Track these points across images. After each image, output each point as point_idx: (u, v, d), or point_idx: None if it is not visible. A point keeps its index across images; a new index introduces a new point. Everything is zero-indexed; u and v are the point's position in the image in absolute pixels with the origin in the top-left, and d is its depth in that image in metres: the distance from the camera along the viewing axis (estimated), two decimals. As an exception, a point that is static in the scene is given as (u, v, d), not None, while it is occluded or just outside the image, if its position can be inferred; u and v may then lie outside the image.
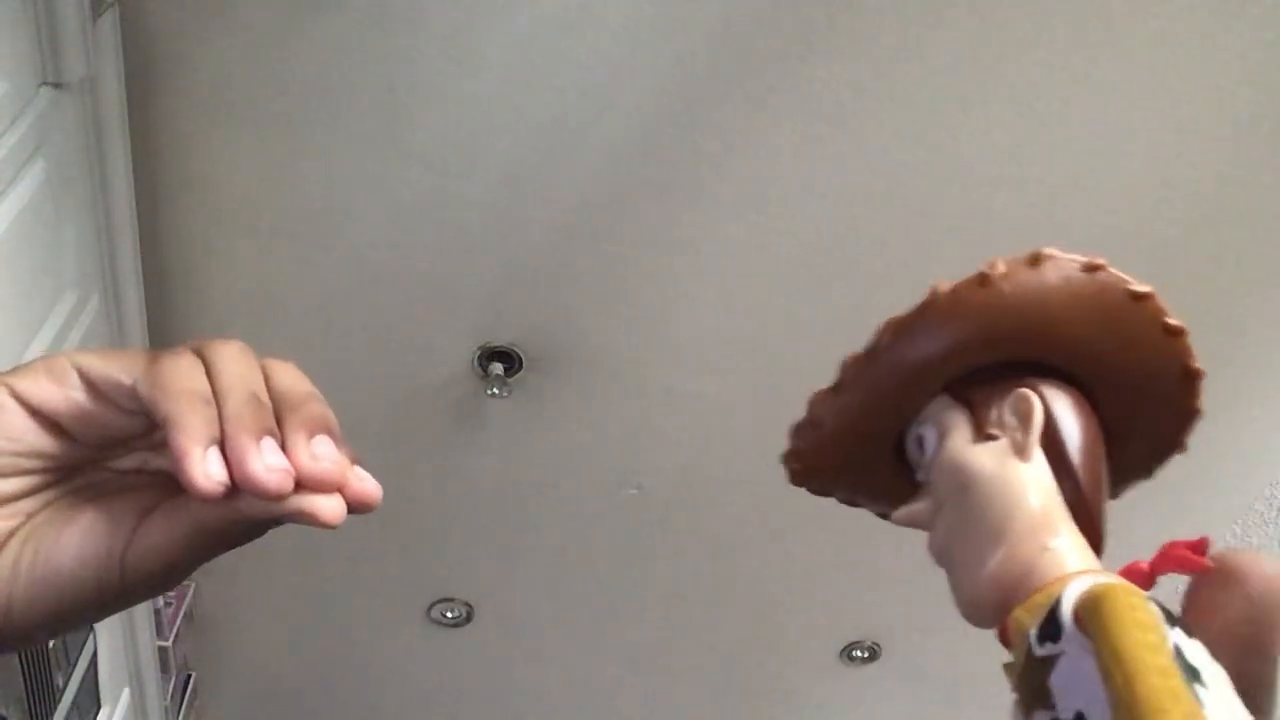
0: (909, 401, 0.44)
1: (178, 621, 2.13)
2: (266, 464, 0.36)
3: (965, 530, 0.40)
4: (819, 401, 0.45)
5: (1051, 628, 0.35)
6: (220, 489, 0.35)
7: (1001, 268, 0.42)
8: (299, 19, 1.45)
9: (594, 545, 2.21)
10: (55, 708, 1.49)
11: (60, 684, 1.50)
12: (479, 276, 1.74)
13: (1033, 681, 0.35)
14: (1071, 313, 0.42)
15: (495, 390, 1.83)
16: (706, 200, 1.64)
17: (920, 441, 0.44)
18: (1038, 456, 0.41)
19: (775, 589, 2.30)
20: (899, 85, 1.51)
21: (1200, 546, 0.37)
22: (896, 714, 2.68)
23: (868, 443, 0.46)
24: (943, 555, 0.42)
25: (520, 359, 1.85)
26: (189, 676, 2.38)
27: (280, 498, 0.36)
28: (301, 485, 0.36)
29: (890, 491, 0.47)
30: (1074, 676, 0.33)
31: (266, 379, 0.39)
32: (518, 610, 2.39)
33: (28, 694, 1.37)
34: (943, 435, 0.43)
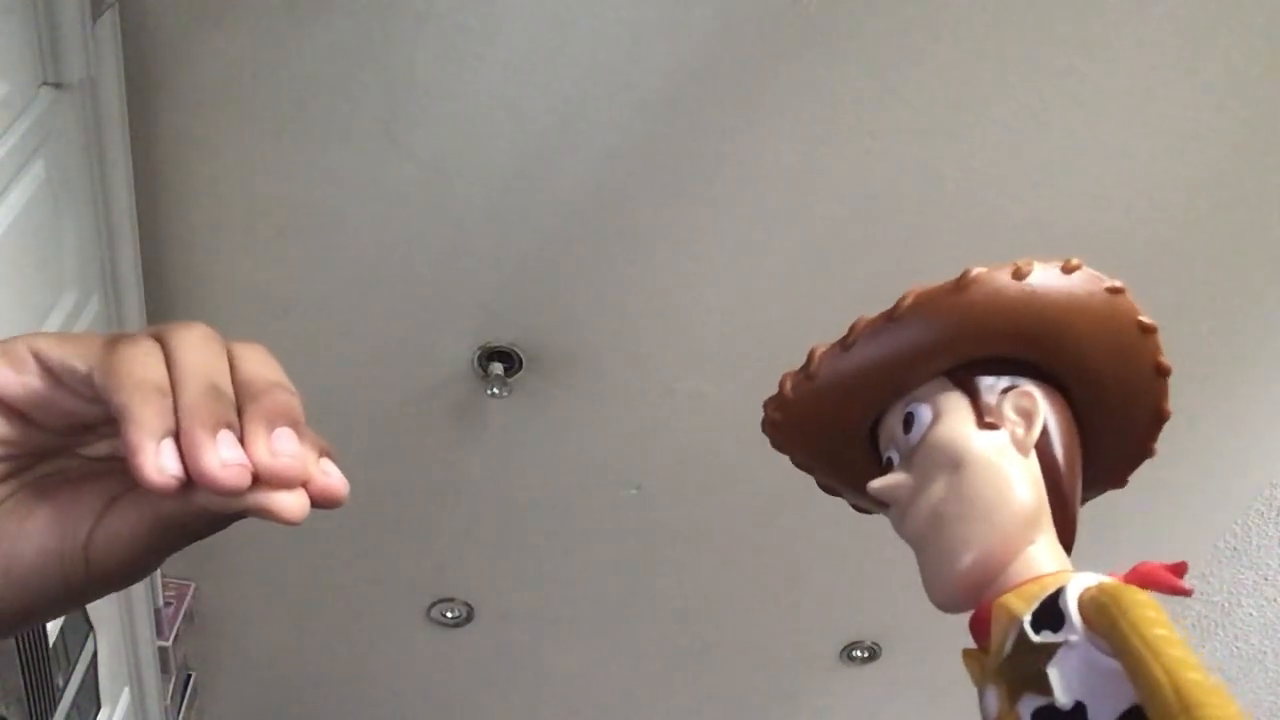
0: (909, 376, 0.44)
1: (178, 621, 2.13)
2: (222, 459, 0.34)
3: (951, 511, 0.40)
4: (822, 355, 0.45)
5: (1051, 617, 0.35)
6: (173, 483, 0.34)
7: (1035, 265, 0.42)
8: (299, 20, 1.45)
9: (594, 545, 2.21)
10: (55, 708, 1.49)
11: (60, 684, 1.50)
12: (479, 276, 1.74)
13: (1026, 667, 0.35)
14: (1087, 325, 0.42)
15: (495, 390, 1.83)
16: (706, 200, 1.64)
17: (909, 418, 0.44)
18: (1032, 454, 0.41)
19: (775, 589, 2.30)
20: (899, 86, 1.51)
21: (1179, 570, 0.37)
22: (896, 714, 2.68)
23: (853, 410, 0.45)
24: (919, 534, 0.42)
25: (520, 359, 1.85)
26: (189, 676, 2.38)
27: (237, 493, 0.34)
28: (260, 480, 0.35)
29: (856, 468, 0.47)
30: (1079, 668, 0.33)
31: (232, 365, 0.37)
32: (518, 610, 2.39)
33: (28, 694, 1.37)
34: (938, 416, 0.43)
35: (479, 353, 1.84)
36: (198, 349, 0.36)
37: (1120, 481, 0.46)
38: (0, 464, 0.38)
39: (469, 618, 2.38)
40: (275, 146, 1.58)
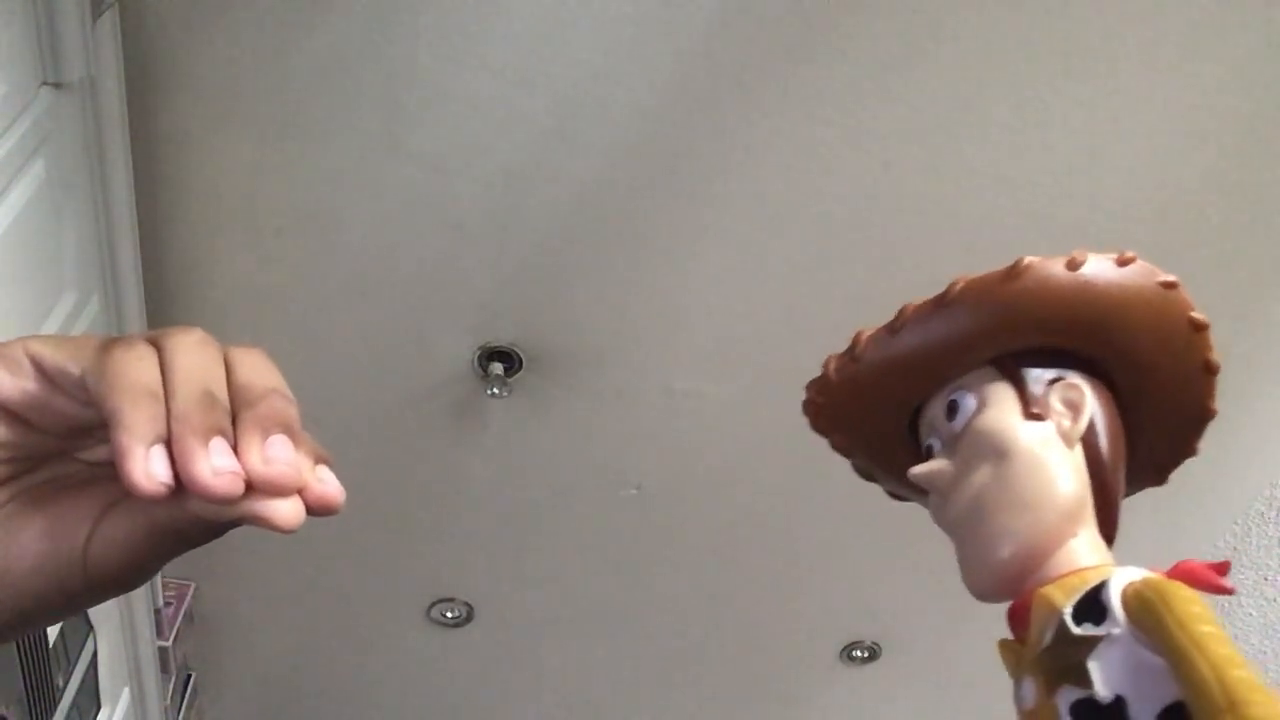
0: (955, 363, 0.43)
1: (178, 621, 2.13)
2: (213, 467, 0.33)
3: (994, 499, 0.40)
4: (868, 339, 0.44)
5: (1093, 610, 0.35)
6: (162, 489, 0.33)
7: (1089, 257, 0.42)
8: (299, 20, 1.45)
9: (594, 545, 2.21)
10: (55, 708, 1.49)
11: (60, 684, 1.50)
12: (479, 276, 1.74)
13: (1066, 659, 0.35)
14: (1138, 319, 0.42)
15: (495, 390, 1.83)
16: (706, 200, 1.64)
17: (954, 405, 0.43)
18: (1078, 447, 0.41)
19: (775, 589, 2.30)
20: (899, 86, 1.51)
21: (1223, 569, 0.36)
22: (896, 714, 2.68)
23: (895, 396, 0.45)
24: (959, 522, 0.42)
25: (520, 359, 1.85)
26: (189, 676, 2.38)
27: (229, 501, 0.34)
28: (255, 488, 0.34)
29: (895, 454, 0.47)
30: (1121, 662, 0.33)
31: (228, 370, 0.37)
32: (518, 610, 2.39)
33: (28, 694, 1.37)
34: (983, 404, 0.42)
35: (479, 353, 1.84)
36: (193, 354, 0.36)
37: (1161, 479, 0.46)
38: (1, 467, 0.38)
39: (469, 618, 2.38)
40: (275, 146, 1.58)
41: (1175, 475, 0.47)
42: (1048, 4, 1.43)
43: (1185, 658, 0.30)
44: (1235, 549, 2.26)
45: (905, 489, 0.47)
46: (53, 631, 1.45)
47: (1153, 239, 1.67)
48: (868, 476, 0.49)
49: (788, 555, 2.20)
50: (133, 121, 1.48)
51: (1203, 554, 2.21)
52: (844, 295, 1.74)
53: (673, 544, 2.20)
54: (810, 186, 1.62)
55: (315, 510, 0.36)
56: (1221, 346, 1.70)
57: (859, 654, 2.46)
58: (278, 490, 0.35)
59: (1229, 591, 0.36)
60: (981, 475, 0.41)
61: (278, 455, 0.35)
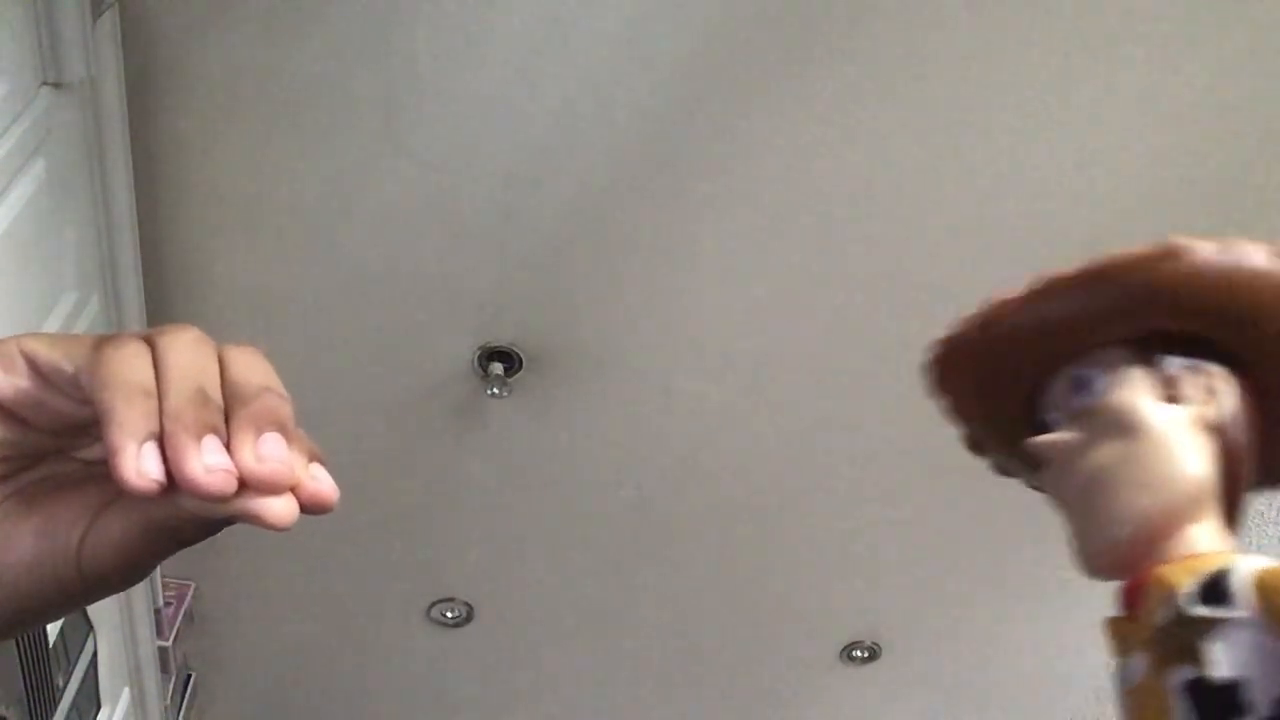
0: (1088, 337, 0.43)
1: (178, 621, 2.13)
2: (206, 464, 0.33)
3: (1119, 475, 0.40)
4: (1006, 303, 0.44)
5: (1215, 593, 0.34)
6: (154, 486, 0.33)
7: (1246, 245, 0.41)
8: (299, 20, 1.45)
9: (594, 545, 2.21)
10: (55, 708, 1.49)
11: (60, 684, 1.50)
12: (479, 276, 1.74)
13: (1181, 639, 0.35)
14: (1256, 294, 0.41)
15: (495, 390, 1.83)
16: (707, 200, 1.64)
17: (1082, 381, 0.43)
18: (1212, 435, 0.41)
19: (775, 589, 2.30)
20: (899, 86, 1.51)
21: None
22: (896, 714, 2.68)
23: (1026, 361, 0.44)
24: (1080, 492, 0.41)
25: (520, 359, 1.85)
26: (189, 676, 2.38)
27: (222, 498, 0.34)
28: (247, 486, 0.34)
29: (1010, 423, 0.46)
30: (1244, 646, 0.33)
31: (222, 368, 0.37)
32: (518, 610, 2.39)
33: (28, 694, 1.37)
34: (1116, 382, 0.42)
35: (479, 353, 1.84)
36: (186, 352, 0.36)
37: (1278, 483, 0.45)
38: None
39: (469, 618, 2.38)
40: (275, 146, 1.58)
41: None
42: (1047, 5, 1.43)
43: None
44: (1235, 549, 2.26)
45: (1015, 461, 0.46)
46: (53, 631, 1.45)
47: (1152, 239, 1.67)
48: (977, 447, 0.48)
49: (788, 555, 2.20)
50: (133, 121, 1.48)
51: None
52: (844, 295, 1.74)
53: (672, 544, 2.20)
54: (810, 186, 1.62)
55: (308, 508, 0.36)
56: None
57: (859, 654, 2.46)
58: (271, 488, 0.35)
59: None
60: (1108, 451, 0.40)
61: (271, 453, 0.35)
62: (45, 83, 1.28)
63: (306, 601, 2.33)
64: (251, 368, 0.37)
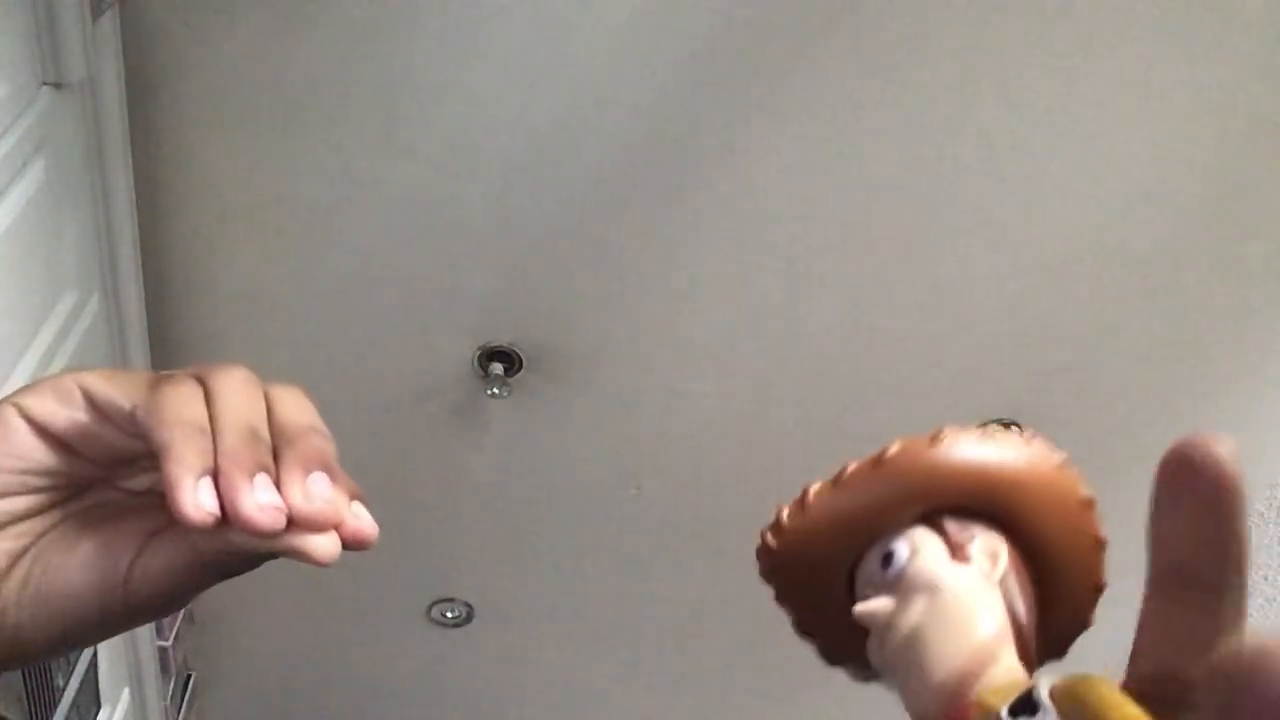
0: (889, 518, 0.49)
1: (178, 621, 2.13)
2: (258, 502, 0.35)
3: (930, 630, 0.45)
4: (816, 492, 0.50)
5: (1026, 706, 0.38)
6: (210, 520, 0.35)
7: (949, 432, 0.48)
8: (298, 19, 1.45)
9: (594, 545, 2.21)
10: (55, 708, 1.49)
11: (60, 684, 1.50)
12: (479, 276, 1.74)
13: None
14: (1010, 479, 0.48)
15: (495, 390, 1.83)
16: (707, 200, 1.64)
17: (889, 556, 0.49)
18: (998, 591, 0.47)
19: (775, 589, 2.30)
20: (898, 87, 1.51)
21: None
22: (896, 714, 2.68)
23: (840, 544, 0.51)
24: (898, 652, 0.47)
25: (520, 359, 1.85)
26: (189, 676, 2.38)
27: (272, 535, 0.36)
28: (295, 523, 0.36)
29: (831, 607, 0.52)
30: None
31: (269, 407, 0.39)
32: (518, 610, 2.39)
33: (28, 694, 1.37)
34: (915, 552, 0.48)
35: (479, 353, 1.84)
36: (238, 392, 0.38)
37: (1060, 653, 0.51)
38: (45, 494, 0.39)
39: (469, 618, 2.38)
40: (275, 146, 1.58)
41: (1086, 629, 0.52)
42: (1047, 5, 1.43)
43: None
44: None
45: (839, 641, 0.52)
46: (53, 631, 1.45)
47: (1153, 239, 1.67)
48: (808, 634, 0.55)
49: (788, 555, 2.20)
50: (133, 121, 1.48)
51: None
52: (843, 296, 1.74)
53: (673, 544, 2.20)
54: (810, 187, 1.62)
55: (350, 544, 0.39)
56: (1221, 347, 1.70)
57: (859, 654, 2.46)
58: (317, 526, 0.37)
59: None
60: (917, 608, 0.46)
61: (318, 492, 0.37)
62: (45, 83, 1.28)
63: (306, 601, 2.33)
64: (297, 407, 0.39)
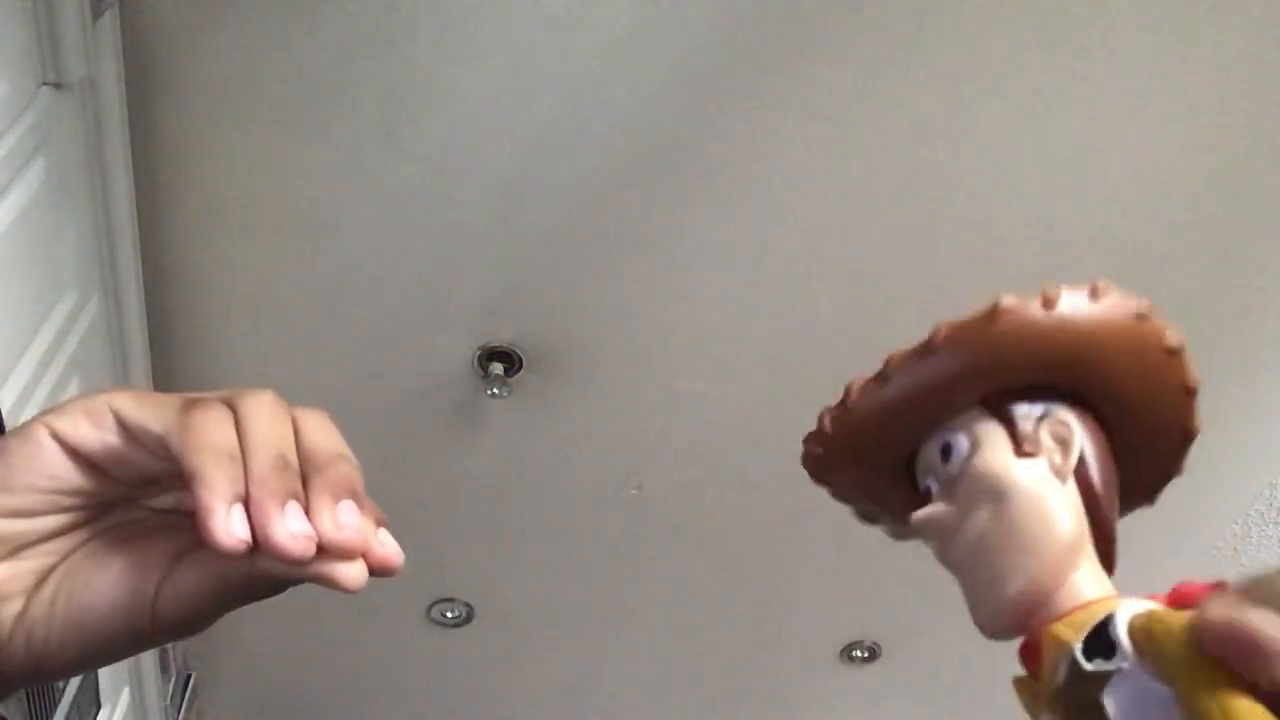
0: (945, 406, 0.45)
1: (178, 621, 2.12)
2: (290, 531, 0.36)
3: (996, 540, 0.42)
4: (857, 389, 0.46)
5: (1102, 645, 0.36)
6: (241, 546, 0.35)
7: (1063, 292, 0.44)
8: (299, 20, 1.45)
9: (594, 545, 2.21)
10: (55, 708, 1.49)
11: (60, 684, 1.50)
12: (479, 276, 1.74)
13: (1080, 697, 0.36)
14: (1116, 350, 0.44)
15: (495, 390, 1.83)
16: (706, 200, 1.64)
17: (947, 448, 0.45)
18: (1071, 481, 0.43)
19: (775, 589, 2.30)
20: (899, 87, 1.51)
21: (1220, 589, 0.37)
22: (896, 714, 2.68)
23: (891, 441, 0.47)
24: (963, 562, 0.43)
25: (520, 359, 1.85)
26: (189, 676, 2.38)
27: (302, 562, 0.36)
28: (324, 550, 0.37)
29: (895, 497, 0.48)
30: (1133, 696, 0.34)
31: (296, 432, 0.39)
32: (518, 610, 2.39)
33: (28, 694, 1.37)
34: (976, 445, 0.44)
35: (479, 353, 1.84)
36: (267, 418, 0.38)
37: (1151, 500, 0.48)
38: (74, 513, 0.40)
39: (469, 618, 2.38)
40: (275, 146, 1.58)
41: (1176, 476, 0.48)
42: (1048, 5, 1.43)
43: (1188, 688, 0.31)
44: (1235, 549, 2.26)
45: (907, 531, 0.48)
46: (53, 631, 1.45)
47: (1153, 238, 1.67)
48: (871, 520, 0.51)
49: (788, 555, 2.20)
50: (133, 121, 1.48)
51: (1203, 554, 2.21)
52: (843, 295, 1.74)
53: (672, 544, 2.20)
54: (810, 187, 1.62)
55: (376, 571, 0.39)
56: (1222, 347, 1.70)
57: (859, 654, 2.46)
58: (346, 553, 0.37)
59: None
60: (981, 517, 0.42)
61: (347, 520, 0.37)
62: (45, 83, 1.28)
63: (306, 602, 2.32)
64: (325, 433, 0.40)
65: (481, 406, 1.92)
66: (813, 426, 0.49)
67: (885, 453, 0.47)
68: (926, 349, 0.44)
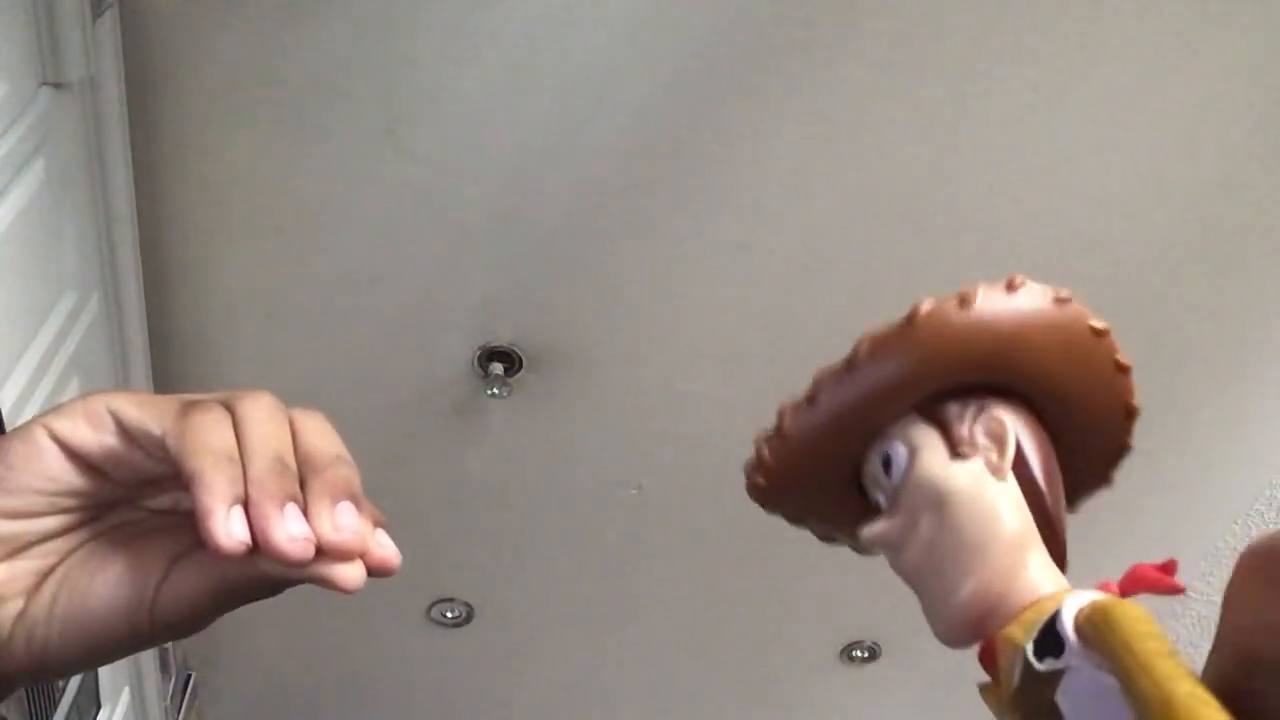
0: (879, 418, 0.44)
1: (178, 621, 2.12)
2: (289, 533, 0.36)
3: (943, 547, 0.41)
4: (789, 414, 0.46)
5: (1051, 643, 0.35)
6: (241, 548, 0.36)
7: (980, 291, 0.43)
8: (299, 20, 1.45)
9: (594, 545, 2.21)
10: (55, 708, 1.49)
11: (60, 684, 1.50)
12: (479, 276, 1.74)
13: (1036, 698, 0.36)
14: (1040, 340, 0.43)
15: (495, 390, 1.83)
16: (706, 200, 1.64)
17: (887, 460, 0.44)
18: (1010, 477, 0.42)
19: (775, 589, 2.30)
20: (898, 87, 1.51)
21: (1170, 568, 0.37)
22: (896, 714, 2.68)
23: (832, 460, 0.46)
24: (916, 573, 0.43)
25: (520, 359, 1.85)
26: (189, 676, 2.38)
27: (301, 564, 0.37)
28: (323, 552, 0.37)
29: (846, 515, 0.48)
30: (1085, 692, 0.34)
31: (294, 434, 0.39)
32: (518, 610, 2.39)
33: (28, 694, 1.37)
34: (913, 453, 0.43)
35: (479, 353, 1.84)
36: (265, 421, 0.39)
37: (1106, 479, 0.47)
38: (73, 514, 0.40)
39: (469, 618, 2.38)
40: (275, 146, 1.58)
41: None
42: (1048, 5, 1.43)
43: (1131, 676, 0.31)
44: (1235, 549, 2.26)
45: (864, 546, 0.48)
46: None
47: (1153, 238, 1.67)
48: (829, 540, 0.51)
49: (788, 555, 2.20)
50: (133, 121, 1.48)
51: (1203, 554, 2.21)
52: (843, 295, 1.74)
53: (673, 544, 2.20)
54: (810, 186, 1.62)
55: (374, 572, 0.39)
56: (1222, 345, 1.70)
57: (859, 654, 2.46)
58: (344, 555, 0.37)
59: (1179, 590, 0.37)
60: (926, 527, 0.42)
61: (346, 522, 0.38)
62: (45, 83, 1.28)
63: (306, 601, 2.32)
64: (323, 435, 0.40)
65: (481, 407, 1.92)
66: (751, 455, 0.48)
67: (828, 471, 0.47)
68: (851, 364, 0.43)
